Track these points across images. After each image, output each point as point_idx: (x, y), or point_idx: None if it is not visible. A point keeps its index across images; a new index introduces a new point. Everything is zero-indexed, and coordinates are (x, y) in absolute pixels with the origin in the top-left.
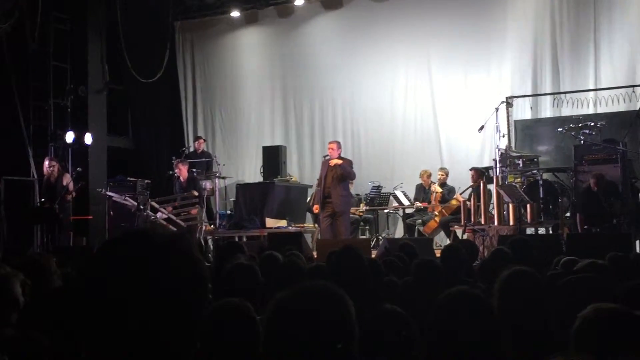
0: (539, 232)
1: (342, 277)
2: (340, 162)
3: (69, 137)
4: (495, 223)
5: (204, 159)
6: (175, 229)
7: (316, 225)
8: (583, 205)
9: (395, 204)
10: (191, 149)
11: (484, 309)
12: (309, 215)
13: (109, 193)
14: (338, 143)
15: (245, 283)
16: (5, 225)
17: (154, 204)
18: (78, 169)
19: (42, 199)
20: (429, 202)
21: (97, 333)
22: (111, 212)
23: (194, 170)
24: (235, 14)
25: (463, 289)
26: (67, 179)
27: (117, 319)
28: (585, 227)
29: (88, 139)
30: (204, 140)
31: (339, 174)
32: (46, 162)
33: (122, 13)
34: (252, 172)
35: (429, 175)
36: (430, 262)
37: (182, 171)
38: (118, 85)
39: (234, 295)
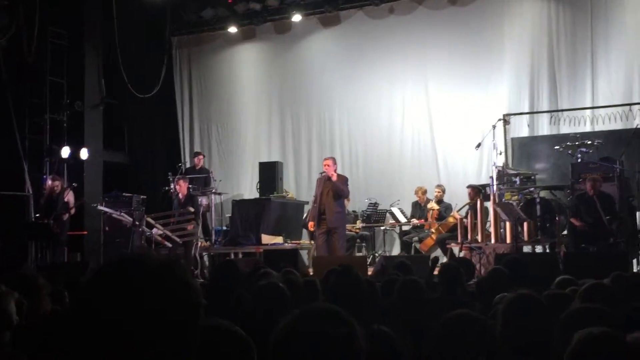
0: (536, 250)
1: (338, 299)
2: (335, 175)
3: (65, 152)
4: (492, 241)
5: (202, 175)
6: (170, 246)
7: (312, 242)
8: (577, 210)
9: (391, 221)
10: (188, 165)
11: (484, 333)
12: (305, 231)
13: (104, 208)
14: (333, 159)
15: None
16: None
17: (149, 219)
18: (73, 184)
19: (37, 214)
20: (425, 219)
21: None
22: (106, 228)
23: (190, 186)
24: (232, 29)
25: (464, 312)
26: (68, 195)
27: (111, 345)
28: (583, 245)
29: (84, 154)
30: (204, 156)
31: (333, 191)
32: (49, 182)
33: (120, 28)
34: (248, 188)
35: (424, 192)
36: (414, 282)
37: (182, 188)
38: (114, 101)
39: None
